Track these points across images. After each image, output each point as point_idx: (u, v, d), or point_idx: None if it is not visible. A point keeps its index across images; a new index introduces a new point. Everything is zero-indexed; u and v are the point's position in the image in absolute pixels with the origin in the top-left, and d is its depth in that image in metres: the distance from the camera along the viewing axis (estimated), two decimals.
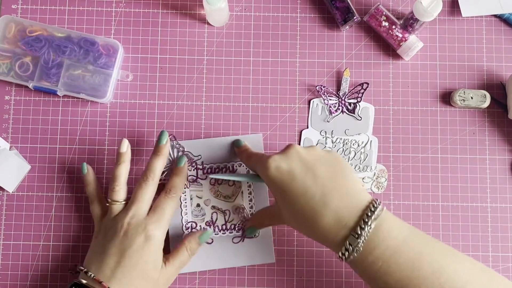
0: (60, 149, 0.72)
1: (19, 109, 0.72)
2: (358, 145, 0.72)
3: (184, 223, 0.70)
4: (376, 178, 0.71)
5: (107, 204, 0.66)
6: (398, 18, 0.73)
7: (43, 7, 0.74)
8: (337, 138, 0.72)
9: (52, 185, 0.71)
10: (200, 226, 0.70)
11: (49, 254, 0.70)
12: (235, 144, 0.70)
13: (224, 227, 0.70)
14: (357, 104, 0.72)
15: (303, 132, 0.72)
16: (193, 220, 0.70)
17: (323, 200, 0.56)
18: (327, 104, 0.72)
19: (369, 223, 0.54)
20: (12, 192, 0.71)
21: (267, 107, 0.73)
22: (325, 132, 0.72)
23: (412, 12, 0.68)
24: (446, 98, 0.73)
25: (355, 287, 0.70)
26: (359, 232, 0.54)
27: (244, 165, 0.70)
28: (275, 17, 0.74)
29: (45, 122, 0.72)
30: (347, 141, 0.72)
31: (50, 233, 0.70)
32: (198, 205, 0.70)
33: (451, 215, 0.71)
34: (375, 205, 0.55)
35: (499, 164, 0.72)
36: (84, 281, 0.61)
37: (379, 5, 0.73)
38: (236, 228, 0.70)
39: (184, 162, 0.68)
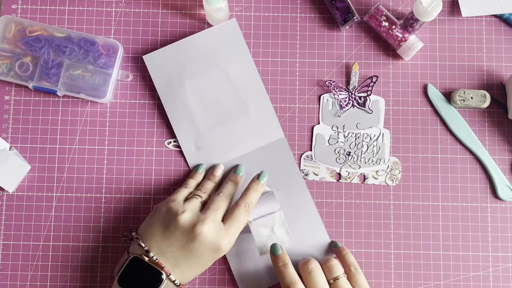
0: (60, 149, 0.72)
1: (19, 109, 0.72)
2: (371, 139, 0.72)
3: None
4: (390, 171, 0.71)
5: (193, 196, 0.66)
6: (398, 18, 0.73)
7: (43, 7, 0.74)
8: (349, 133, 0.72)
9: (52, 185, 0.71)
10: None
11: (49, 254, 0.70)
12: (272, 251, 0.65)
13: None
14: (367, 97, 0.72)
15: (314, 128, 0.72)
16: None
17: None
18: (337, 99, 0.72)
19: None
20: (12, 192, 0.71)
21: None
22: (337, 127, 0.72)
23: (412, 12, 0.68)
24: (446, 98, 0.73)
25: None
26: None
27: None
28: (275, 17, 0.74)
29: (45, 122, 0.72)
30: (359, 135, 0.72)
31: (50, 233, 0.70)
32: None
33: (451, 215, 0.71)
34: None
35: (499, 164, 0.72)
36: (146, 258, 0.61)
37: (379, 5, 0.73)
38: None
39: (264, 180, 0.67)
